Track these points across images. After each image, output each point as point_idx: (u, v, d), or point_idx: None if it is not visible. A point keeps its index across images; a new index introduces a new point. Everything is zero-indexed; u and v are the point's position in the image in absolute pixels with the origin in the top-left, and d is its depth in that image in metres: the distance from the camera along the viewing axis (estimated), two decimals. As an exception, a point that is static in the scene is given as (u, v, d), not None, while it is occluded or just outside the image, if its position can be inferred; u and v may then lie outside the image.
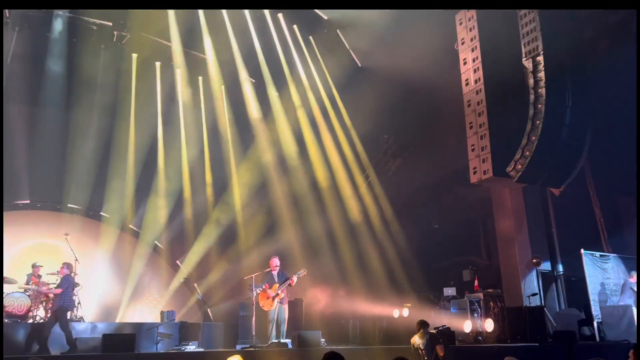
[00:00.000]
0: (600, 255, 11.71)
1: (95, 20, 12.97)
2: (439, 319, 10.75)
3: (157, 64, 14.35)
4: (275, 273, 10.13)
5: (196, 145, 14.52)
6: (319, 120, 15.08)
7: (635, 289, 10.54)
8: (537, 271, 11.88)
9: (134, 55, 13.78)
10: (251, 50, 14.30)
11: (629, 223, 13.59)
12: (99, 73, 13.07)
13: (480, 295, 11.28)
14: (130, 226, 14.10)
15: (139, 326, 10.54)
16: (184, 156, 14.39)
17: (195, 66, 14.42)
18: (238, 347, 10.25)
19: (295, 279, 9.92)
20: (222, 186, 14.72)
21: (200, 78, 14.77)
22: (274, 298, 9.84)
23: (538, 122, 10.46)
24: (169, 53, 13.92)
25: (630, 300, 10.54)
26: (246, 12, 13.88)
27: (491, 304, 11.12)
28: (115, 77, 13.37)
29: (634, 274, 10.74)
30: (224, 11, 13.70)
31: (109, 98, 13.26)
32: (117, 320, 12.79)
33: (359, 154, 15.19)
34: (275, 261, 10.25)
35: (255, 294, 9.97)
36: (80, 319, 10.58)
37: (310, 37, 14.98)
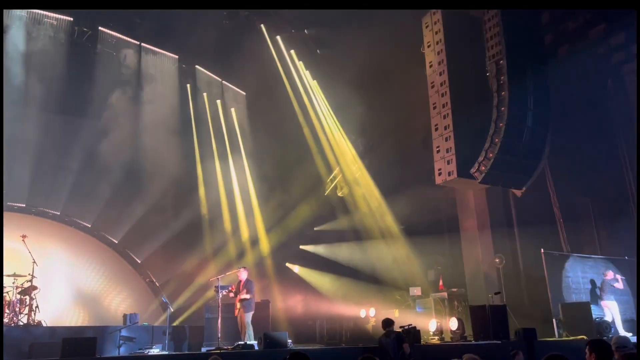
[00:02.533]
0: (560, 255, 12.07)
1: (55, 15, 12.57)
2: (405, 318, 10.86)
3: (120, 59, 14.03)
4: (241, 284, 10.25)
5: (159, 141, 14.22)
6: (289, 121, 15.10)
7: (615, 285, 10.94)
8: (499, 270, 12.15)
9: (97, 52, 13.43)
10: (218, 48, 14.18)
11: (586, 223, 14.07)
12: (60, 69, 12.67)
13: (445, 294, 11.45)
14: (91, 227, 13.71)
15: (101, 329, 10.26)
16: (148, 154, 14.08)
17: (161, 62, 14.17)
18: (204, 349, 10.11)
19: (246, 295, 10.12)
20: (188, 185, 14.50)
21: (164, 74, 14.52)
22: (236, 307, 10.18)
23: (501, 124, 10.70)
24: (134, 49, 13.65)
25: (612, 296, 10.90)
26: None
27: (455, 303, 11.31)
28: (77, 73, 12.99)
29: (609, 272, 11.12)
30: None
31: (70, 95, 12.87)
32: (78, 324, 12.41)
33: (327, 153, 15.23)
34: (242, 272, 10.33)
35: (220, 296, 9.92)
36: (39, 324, 10.22)
37: (278, 37, 14.94)
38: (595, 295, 11.48)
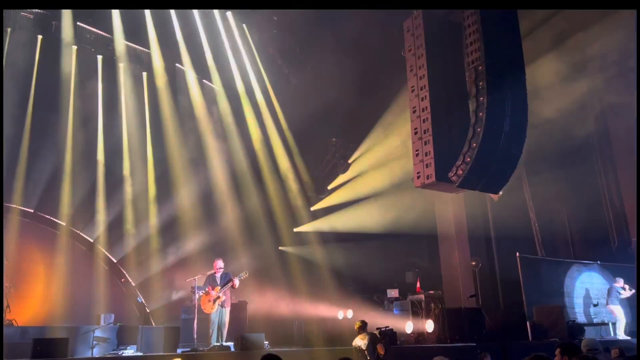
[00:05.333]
0: (534, 259, 12.29)
1: (32, 9, 12.30)
2: (382, 320, 10.91)
3: (99, 57, 13.82)
4: (218, 275, 9.93)
5: (138, 141, 14.06)
6: (265, 117, 15.08)
7: (621, 293, 11.18)
8: (475, 273, 12.30)
9: (74, 48, 13.20)
10: (197, 46, 14.08)
11: (560, 228, 14.36)
12: (34, 65, 12.41)
13: (422, 296, 11.54)
14: (66, 225, 13.45)
15: (74, 330, 10.08)
16: (126, 152, 13.90)
17: (139, 60, 14.00)
18: (179, 350, 10.00)
19: (237, 281, 9.75)
20: (164, 183, 14.33)
21: (144, 74, 14.35)
22: (214, 301, 9.63)
23: (479, 129, 10.80)
24: (112, 46, 13.47)
25: (617, 301, 11.15)
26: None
27: (432, 305, 11.40)
28: (52, 69, 12.74)
29: (620, 280, 11.36)
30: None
31: (46, 91, 12.62)
32: (50, 324, 12.16)
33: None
34: (219, 263, 10.03)
35: (197, 297, 9.76)
36: (10, 323, 10.01)
37: (259, 37, 14.89)
38: (563, 296, 11.81)
